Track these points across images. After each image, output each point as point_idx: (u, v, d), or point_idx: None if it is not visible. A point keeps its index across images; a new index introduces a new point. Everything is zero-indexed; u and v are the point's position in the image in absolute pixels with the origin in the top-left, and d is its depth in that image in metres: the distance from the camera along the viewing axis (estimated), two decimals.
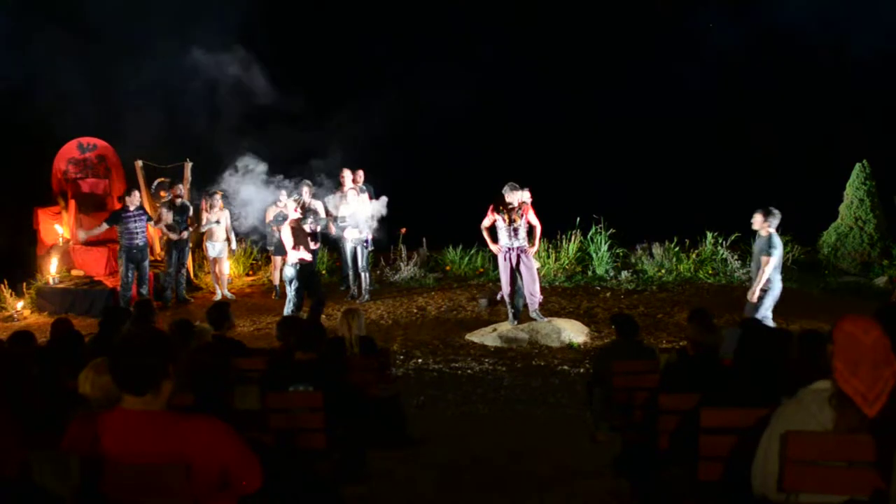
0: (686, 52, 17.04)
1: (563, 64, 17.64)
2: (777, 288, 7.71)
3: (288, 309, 9.01)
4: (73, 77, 11.52)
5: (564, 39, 17.81)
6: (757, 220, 7.74)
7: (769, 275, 7.60)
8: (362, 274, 11.05)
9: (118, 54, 11.85)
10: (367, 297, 11.09)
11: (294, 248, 8.88)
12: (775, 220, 7.69)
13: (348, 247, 10.97)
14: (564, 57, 17.63)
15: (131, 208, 10.51)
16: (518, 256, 8.91)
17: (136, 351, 2.66)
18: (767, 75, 17.25)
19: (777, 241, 7.66)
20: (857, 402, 2.61)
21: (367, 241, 10.90)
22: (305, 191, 10.97)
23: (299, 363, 4.41)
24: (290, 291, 9.01)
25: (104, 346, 5.31)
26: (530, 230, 9.05)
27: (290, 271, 8.97)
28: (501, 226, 8.89)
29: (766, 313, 7.72)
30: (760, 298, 7.69)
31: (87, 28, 11.67)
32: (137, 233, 10.50)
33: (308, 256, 8.97)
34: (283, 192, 11.14)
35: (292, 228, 8.93)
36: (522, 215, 8.85)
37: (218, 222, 11.19)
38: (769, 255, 7.59)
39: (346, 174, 11.16)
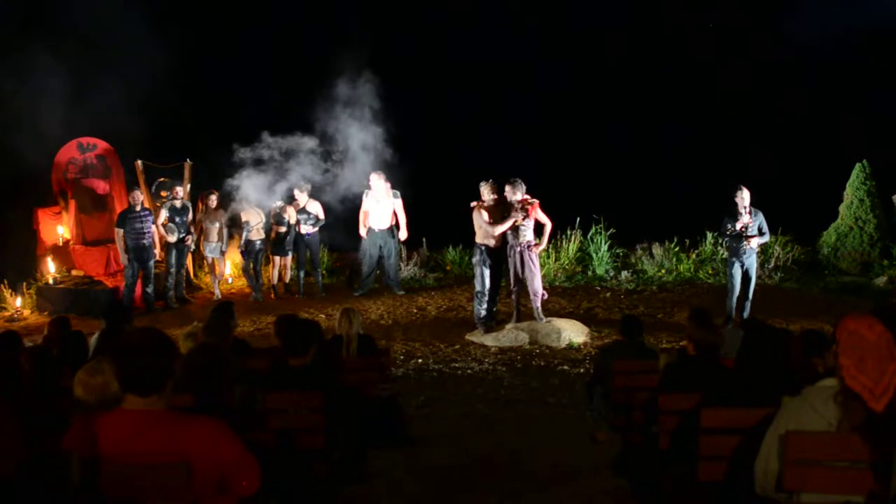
0: (685, 51, 17.06)
1: (562, 63, 17.63)
2: None
3: (478, 299, 9.16)
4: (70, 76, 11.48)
5: (564, 39, 17.80)
6: None
7: None
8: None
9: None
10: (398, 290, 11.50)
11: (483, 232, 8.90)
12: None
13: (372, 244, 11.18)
14: (564, 56, 17.62)
15: (137, 208, 10.51)
16: (521, 254, 8.86)
17: (143, 352, 2.66)
18: (767, 74, 17.24)
19: None
20: (864, 398, 2.63)
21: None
22: (300, 190, 11.00)
23: (293, 369, 4.40)
24: (477, 273, 9.11)
25: (109, 344, 5.30)
26: (538, 228, 8.99)
27: (476, 254, 9.07)
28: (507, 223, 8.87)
29: None
30: None
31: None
32: (143, 233, 10.50)
33: (491, 242, 8.95)
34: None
35: (484, 212, 8.93)
36: (527, 214, 8.80)
37: (214, 222, 11.17)
38: None
39: (377, 178, 11.09)
